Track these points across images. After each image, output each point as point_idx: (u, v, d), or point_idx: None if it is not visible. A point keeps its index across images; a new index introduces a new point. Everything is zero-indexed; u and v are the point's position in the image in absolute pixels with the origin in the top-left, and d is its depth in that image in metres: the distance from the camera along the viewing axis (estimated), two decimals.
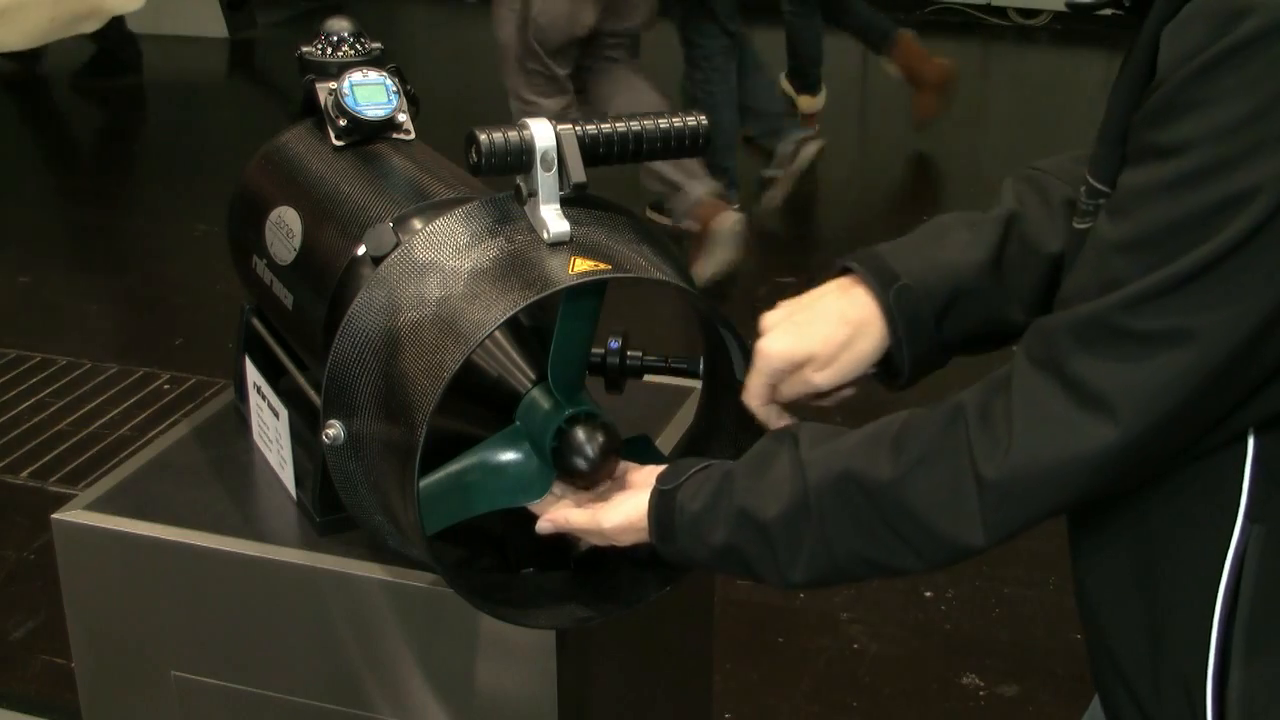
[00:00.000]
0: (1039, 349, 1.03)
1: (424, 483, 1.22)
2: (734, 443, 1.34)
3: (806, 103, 5.62)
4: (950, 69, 5.33)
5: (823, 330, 1.24)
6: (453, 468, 1.26)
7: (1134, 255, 0.97)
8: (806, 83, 5.60)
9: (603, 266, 1.20)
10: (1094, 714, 1.25)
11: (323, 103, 1.49)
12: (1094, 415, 0.99)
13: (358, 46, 1.52)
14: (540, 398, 1.26)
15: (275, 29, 7.35)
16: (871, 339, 1.24)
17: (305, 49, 1.53)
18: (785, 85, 5.60)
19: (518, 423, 1.27)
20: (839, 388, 1.26)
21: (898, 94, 6.10)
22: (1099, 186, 1.07)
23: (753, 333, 1.28)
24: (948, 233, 1.28)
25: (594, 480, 1.26)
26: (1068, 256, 1.15)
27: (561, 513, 1.25)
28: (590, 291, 1.22)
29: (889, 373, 1.27)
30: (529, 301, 1.16)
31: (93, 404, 3.61)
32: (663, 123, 1.29)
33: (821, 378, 1.24)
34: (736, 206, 4.13)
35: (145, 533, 1.43)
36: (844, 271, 1.28)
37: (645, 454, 1.32)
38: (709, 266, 3.92)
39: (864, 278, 1.24)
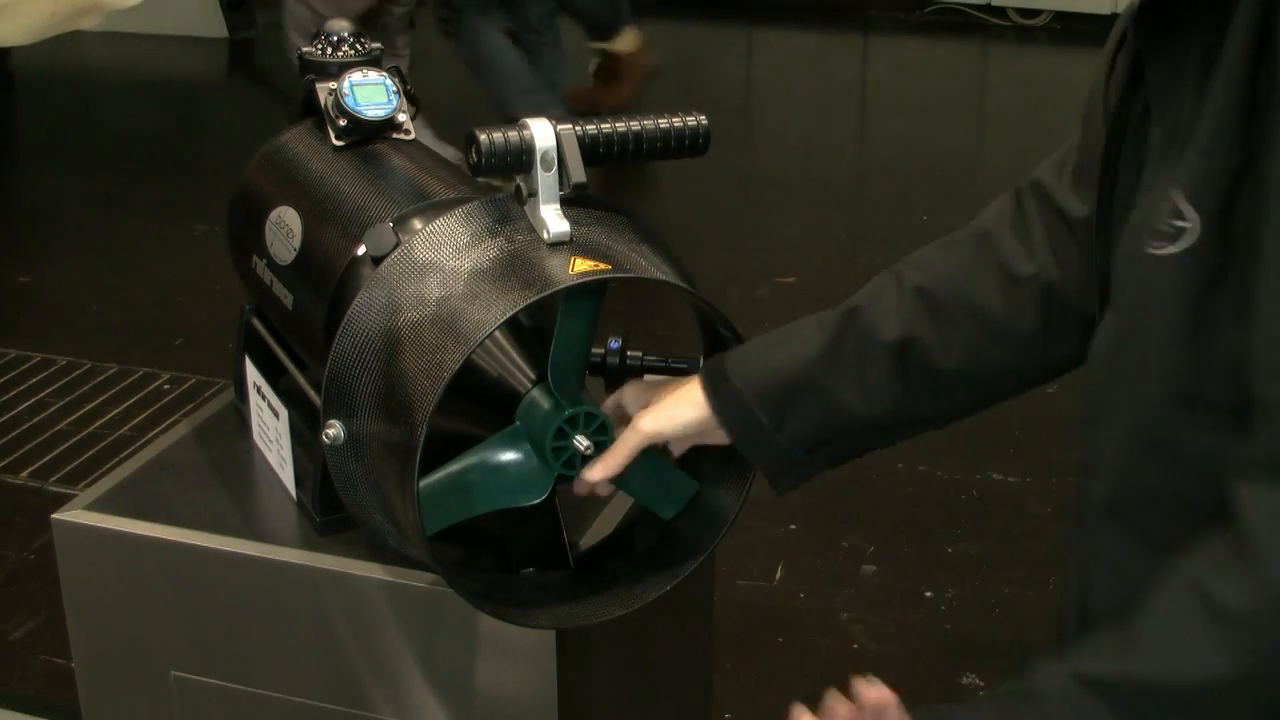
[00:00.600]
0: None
1: (424, 483, 1.21)
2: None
3: (621, 42, 5.51)
4: (650, 68, 5.30)
5: (686, 416, 1.28)
6: (453, 468, 1.25)
7: None
8: (607, 32, 5.56)
9: (603, 266, 1.20)
10: None
11: (323, 103, 1.49)
12: None
13: (358, 46, 1.52)
14: (540, 398, 1.26)
15: (275, 29, 7.35)
16: (718, 438, 1.28)
17: (305, 49, 1.53)
18: (596, 55, 5.54)
19: (518, 423, 1.27)
20: None
21: (897, 93, 6.10)
22: (1188, 210, 0.98)
23: (752, 333, 1.29)
24: (793, 332, 1.30)
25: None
26: (1135, 287, 1.05)
27: None
28: (590, 292, 1.22)
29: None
30: (529, 301, 1.16)
31: (93, 404, 3.60)
32: (663, 123, 1.29)
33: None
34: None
35: (145, 533, 1.43)
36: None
37: (651, 456, 1.32)
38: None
39: (700, 380, 1.28)
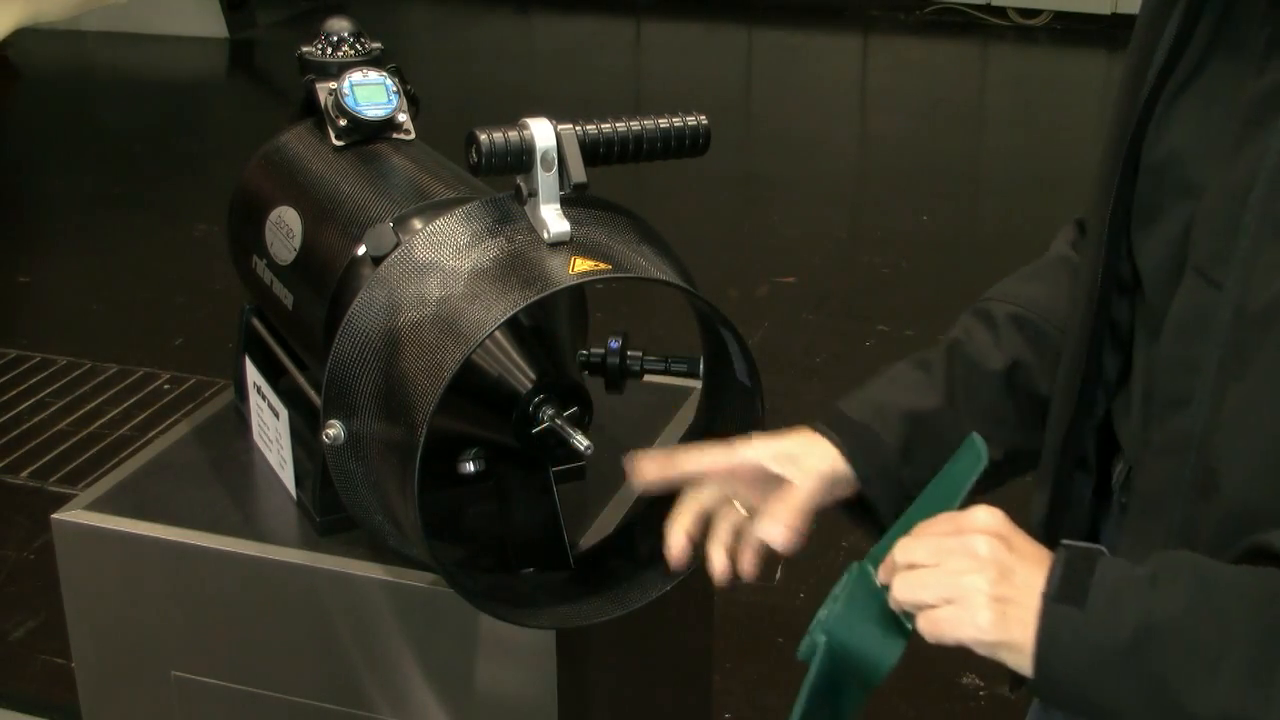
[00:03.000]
0: None
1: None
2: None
3: None
4: None
5: (809, 461, 1.17)
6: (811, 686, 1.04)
7: None
8: None
9: (603, 266, 1.20)
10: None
11: (323, 103, 1.49)
12: None
13: (358, 46, 1.52)
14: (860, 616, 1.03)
15: (275, 29, 7.36)
16: (839, 485, 1.18)
17: (305, 49, 1.53)
18: None
19: (825, 638, 1.03)
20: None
21: (897, 93, 6.11)
22: None
23: (752, 333, 1.28)
24: (898, 375, 1.25)
25: None
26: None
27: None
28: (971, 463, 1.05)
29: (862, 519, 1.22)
30: (529, 301, 1.16)
31: (93, 404, 3.61)
32: (663, 123, 1.29)
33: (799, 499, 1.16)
34: None
35: (145, 533, 1.43)
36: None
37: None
38: None
39: (818, 428, 1.19)
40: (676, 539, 1.18)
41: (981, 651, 0.93)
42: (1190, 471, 1.01)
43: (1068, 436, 1.15)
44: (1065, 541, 0.96)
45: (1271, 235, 0.95)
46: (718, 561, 1.19)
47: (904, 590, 0.96)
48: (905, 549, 0.98)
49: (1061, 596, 0.91)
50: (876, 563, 1.03)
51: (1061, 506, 1.16)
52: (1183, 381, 1.02)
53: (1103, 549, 0.94)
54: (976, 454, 1.03)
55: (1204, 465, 1.00)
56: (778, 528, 1.14)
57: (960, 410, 1.21)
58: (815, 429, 1.20)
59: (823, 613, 1.04)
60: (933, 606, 0.94)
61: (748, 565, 1.20)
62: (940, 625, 0.94)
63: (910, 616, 0.98)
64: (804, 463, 1.17)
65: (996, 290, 1.29)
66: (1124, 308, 1.12)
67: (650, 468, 1.20)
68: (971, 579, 0.93)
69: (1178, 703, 0.87)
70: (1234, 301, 0.97)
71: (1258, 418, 0.95)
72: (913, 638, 0.99)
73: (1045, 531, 1.17)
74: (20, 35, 3.82)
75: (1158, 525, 1.05)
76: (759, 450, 1.18)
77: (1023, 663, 0.92)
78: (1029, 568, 0.93)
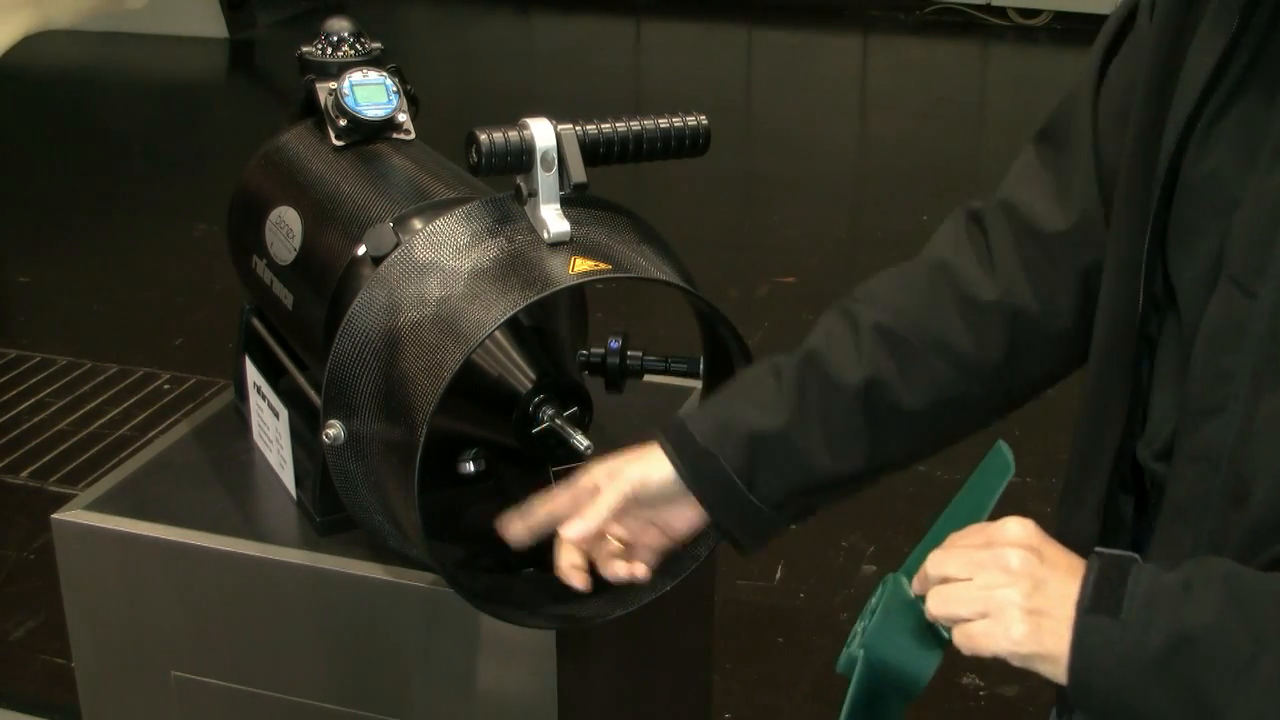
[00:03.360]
0: None
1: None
2: None
3: None
4: None
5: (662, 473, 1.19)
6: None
7: None
8: None
9: (603, 266, 1.20)
10: None
11: (323, 103, 1.49)
12: None
13: (358, 46, 1.52)
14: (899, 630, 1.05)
15: (275, 29, 7.36)
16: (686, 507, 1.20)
17: (305, 49, 1.53)
18: None
19: (863, 652, 1.05)
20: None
21: (897, 93, 6.11)
22: None
23: (752, 333, 1.28)
24: (752, 385, 1.22)
25: None
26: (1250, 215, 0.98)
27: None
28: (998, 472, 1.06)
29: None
30: (529, 301, 1.16)
31: (93, 404, 3.61)
32: (663, 123, 1.29)
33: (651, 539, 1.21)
34: None
35: (145, 533, 1.43)
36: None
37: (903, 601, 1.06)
38: None
39: (662, 445, 1.19)
40: (572, 574, 1.21)
41: (1016, 663, 0.94)
42: (1221, 480, 1.01)
43: (1118, 458, 1.12)
44: (1099, 550, 0.96)
45: None
46: (619, 569, 1.22)
47: (939, 605, 0.97)
48: (938, 562, 0.98)
49: (1095, 607, 0.91)
50: (910, 574, 1.04)
51: (1114, 529, 1.15)
52: (1216, 391, 1.01)
53: (1135, 556, 0.95)
54: (1005, 462, 1.04)
55: (1235, 474, 1.00)
56: (576, 524, 1.18)
57: (811, 424, 1.19)
58: (661, 446, 1.20)
59: (859, 626, 1.05)
60: (968, 620, 0.95)
61: (619, 570, 1.22)
62: (976, 639, 0.94)
63: (947, 628, 0.98)
64: (622, 472, 1.19)
65: (867, 291, 1.25)
66: (1156, 325, 1.12)
67: (517, 528, 1.23)
68: (1005, 592, 0.93)
69: (1213, 709, 0.87)
70: (1268, 311, 0.97)
71: None
72: (949, 648, 0.99)
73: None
74: None
75: (1187, 533, 1.05)
76: (592, 474, 1.21)
77: (1058, 673, 0.92)
78: (1061, 578, 0.94)
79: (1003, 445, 1.05)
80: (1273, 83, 1.01)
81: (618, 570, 1.21)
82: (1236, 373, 0.99)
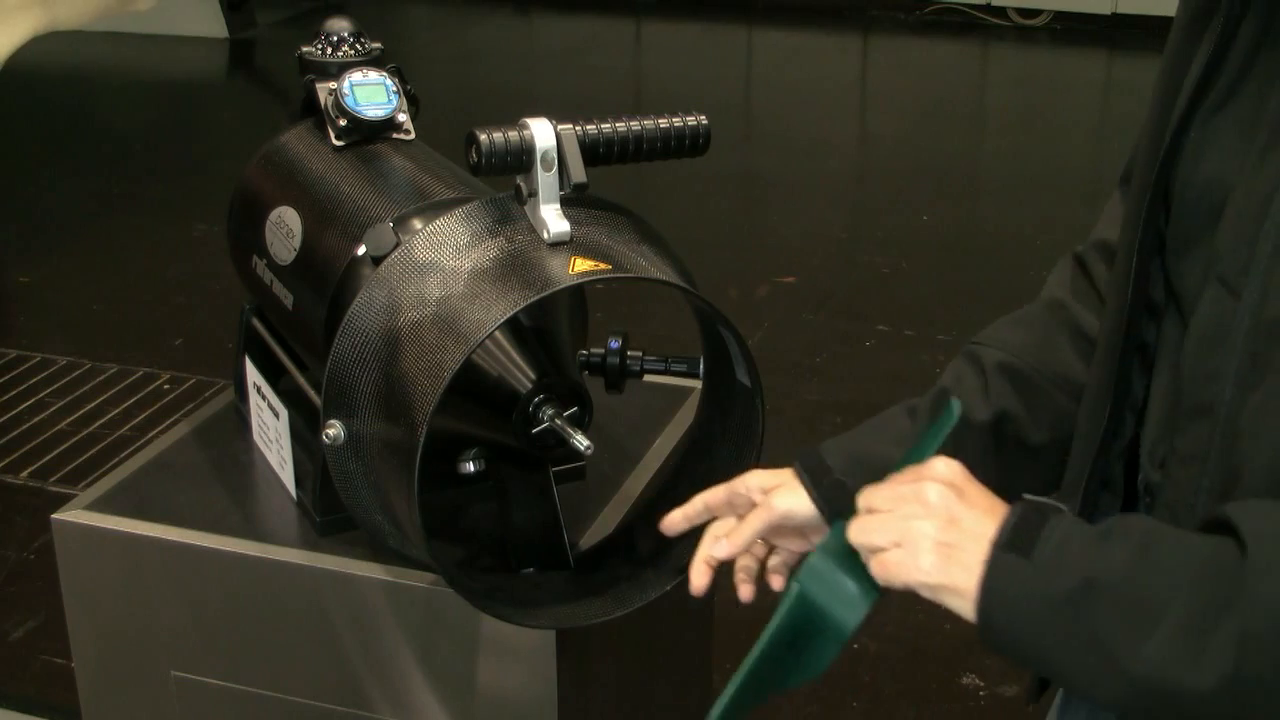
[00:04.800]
0: None
1: (733, 692, 1.06)
2: (735, 443, 1.34)
3: None
4: None
5: (777, 498, 1.20)
6: (752, 663, 1.09)
7: None
8: None
9: (603, 266, 1.20)
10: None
11: (323, 103, 1.49)
12: None
13: (358, 46, 1.52)
14: (835, 568, 1.06)
15: (275, 29, 7.36)
16: (808, 527, 1.21)
17: (305, 49, 1.53)
18: None
19: (797, 585, 1.07)
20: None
21: (897, 93, 6.11)
22: None
23: (752, 333, 1.28)
24: (887, 423, 1.24)
25: None
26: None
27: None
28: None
29: None
30: (529, 301, 1.16)
31: (93, 404, 3.61)
32: (663, 123, 1.29)
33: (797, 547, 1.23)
34: None
35: (145, 533, 1.43)
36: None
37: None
38: None
39: (800, 477, 1.20)
40: (698, 570, 1.21)
41: (926, 595, 0.96)
42: (1209, 480, 1.02)
43: (1096, 458, 1.15)
44: (1026, 496, 0.98)
45: None
46: (746, 593, 1.24)
47: (857, 534, 1.00)
48: (866, 496, 1.02)
49: (1009, 546, 0.93)
50: None
51: None
52: (1205, 391, 1.02)
53: (1061, 506, 0.97)
54: (950, 413, 1.07)
55: (1224, 473, 1.01)
56: (718, 544, 1.19)
57: None
58: (796, 473, 1.20)
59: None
60: (884, 549, 0.98)
61: (746, 594, 1.24)
62: (889, 568, 0.97)
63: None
64: (771, 501, 1.19)
65: (987, 335, 1.28)
66: (1152, 331, 1.12)
67: (675, 518, 1.25)
68: (919, 524, 0.97)
69: (1110, 657, 0.89)
70: (1250, 310, 0.98)
71: (1272, 426, 0.96)
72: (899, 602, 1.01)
73: None
74: None
75: None
76: (748, 482, 1.22)
77: (966, 608, 0.95)
78: (979, 516, 0.96)
79: (954, 400, 1.08)
80: (1261, 88, 1.02)
81: (745, 594, 1.23)
82: (1224, 372, 1.00)
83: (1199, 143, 1.06)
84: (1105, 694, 0.90)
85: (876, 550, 0.98)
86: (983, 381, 1.23)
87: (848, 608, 1.03)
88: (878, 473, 1.14)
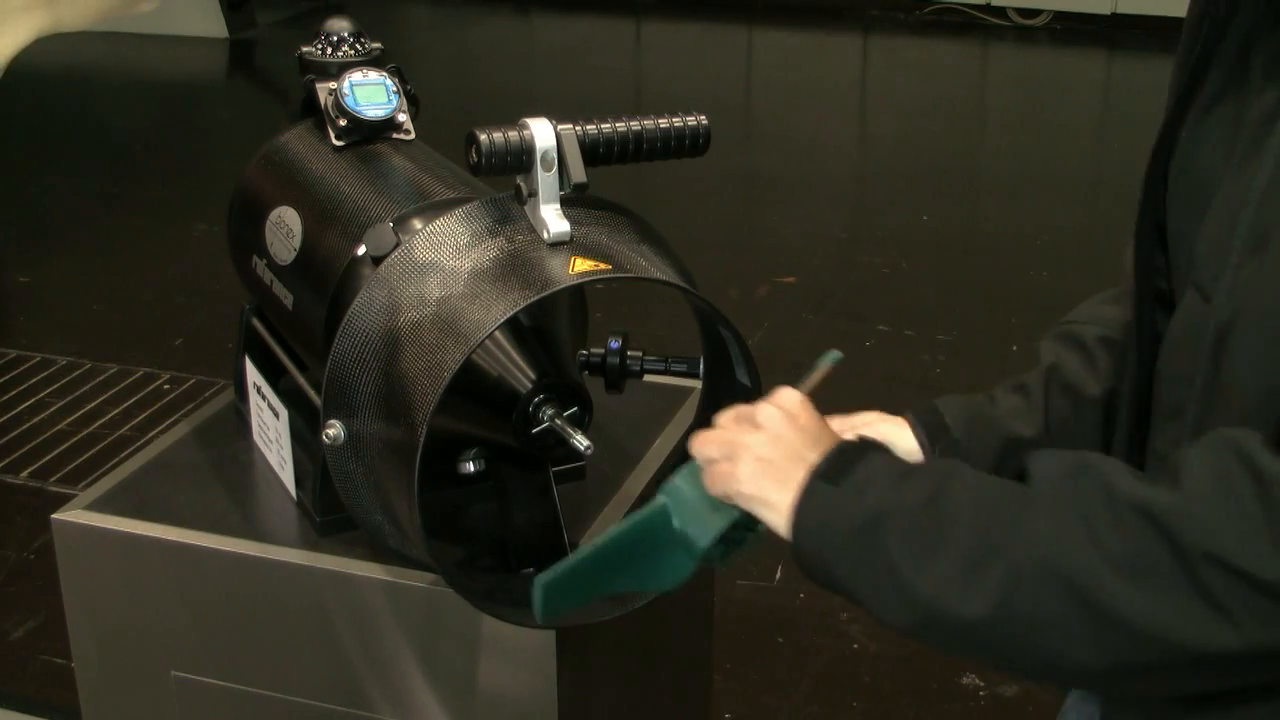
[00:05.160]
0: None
1: (564, 567, 1.11)
2: None
3: None
4: None
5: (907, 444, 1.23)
6: (590, 550, 1.12)
7: None
8: None
9: (603, 266, 1.20)
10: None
11: (323, 103, 1.49)
12: None
13: (358, 46, 1.52)
14: (696, 491, 1.11)
15: (275, 29, 7.36)
16: None
17: (305, 49, 1.53)
18: None
19: (663, 499, 1.12)
20: None
21: (897, 93, 6.10)
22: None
23: (752, 333, 1.28)
24: (1000, 398, 1.26)
25: None
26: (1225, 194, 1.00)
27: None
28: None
29: None
30: (529, 302, 1.16)
31: (93, 404, 3.61)
32: (663, 123, 1.29)
33: None
34: None
35: (145, 533, 1.43)
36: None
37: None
38: None
39: (915, 429, 1.23)
40: None
41: (744, 505, 1.05)
42: None
43: (1128, 455, 1.15)
44: (862, 434, 1.08)
45: (1250, 250, 0.96)
46: None
47: (697, 446, 1.09)
48: (719, 418, 1.10)
49: (823, 474, 1.01)
50: None
51: None
52: (1177, 393, 1.04)
53: (887, 447, 1.05)
54: (829, 356, 1.20)
55: None
56: (804, 384, 1.18)
57: (1055, 438, 1.22)
58: (910, 425, 1.23)
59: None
60: (716, 461, 1.07)
61: None
62: (714, 478, 1.06)
63: (742, 512, 1.08)
64: (875, 423, 1.23)
65: (1080, 313, 1.29)
66: (1165, 321, 1.12)
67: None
68: (745, 438, 1.05)
69: (897, 584, 0.95)
70: (1216, 319, 0.99)
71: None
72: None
73: None
74: None
75: None
76: (864, 417, 1.25)
77: (780, 524, 1.03)
78: (804, 440, 1.05)
79: (835, 352, 1.20)
80: (1245, 95, 1.02)
81: None
82: (1193, 376, 1.01)
83: (1190, 141, 1.07)
84: (893, 617, 0.97)
85: (710, 462, 1.07)
86: (1088, 358, 1.24)
87: (701, 525, 1.09)
88: (998, 439, 1.20)
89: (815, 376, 1.18)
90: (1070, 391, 1.23)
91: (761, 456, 1.04)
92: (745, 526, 1.09)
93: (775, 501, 1.03)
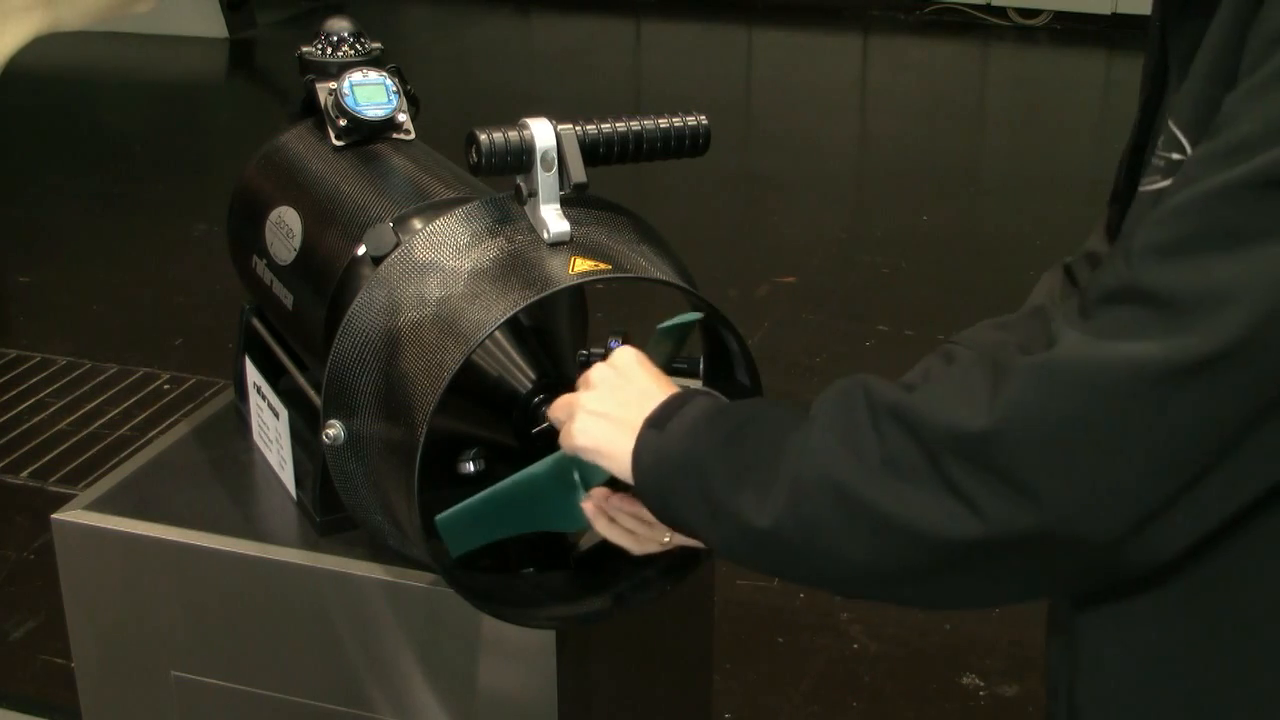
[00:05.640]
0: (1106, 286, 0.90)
1: (460, 506, 1.19)
2: None
3: None
4: None
5: None
6: (490, 491, 1.19)
7: (1226, 159, 0.83)
8: None
9: (603, 266, 1.20)
10: None
11: (323, 103, 1.49)
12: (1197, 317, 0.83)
13: (358, 46, 1.52)
14: None
15: (275, 29, 7.36)
16: None
17: (305, 49, 1.53)
18: None
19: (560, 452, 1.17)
20: None
21: (897, 93, 6.10)
22: (1183, 139, 0.93)
23: (752, 333, 1.29)
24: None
25: None
26: (1126, 225, 1.01)
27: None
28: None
29: None
30: (529, 302, 1.16)
31: (93, 404, 3.61)
32: (663, 123, 1.29)
33: None
34: None
35: (145, 533, 1.43)
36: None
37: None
38: None
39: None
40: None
41: (588, 458, 1.12)
42: None
43: None
44: (700, 387, 1.15)
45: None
46: None
47: (551, 412, 1.17)
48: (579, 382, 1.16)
49: (652, 422, 1.08)
50: None
51: None
52: None
53: (716, 394, 1.12)
54: (685, 316, 1.25)
55: None
56: None
57: None
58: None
59: None
60: (563, 422, 1.14)
61: None
62: (563, 438, 1.13)
63: None
64: None
65: (965, 334, 1.28)
66: None
67: None
68: (580, 397, 1.13)
69: (713, 512, 1.02)
70: None
71: None
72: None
73: None
74: None
75: None
76: None
77: (623, 470, 1.09)
78: (636, 392, 1.11)
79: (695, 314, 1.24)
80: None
81: None
82: None
83: (1157, 144, 1.06)
84: (716, 541, 1.04)
85: (561, 424, 1.14)
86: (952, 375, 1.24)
87: (594, 471, 1.15)
88: None
89: (666, 340, 1.24)
90: None
91: (593, 411, 1.11)
92: None
93: (611, 452, 1.09)
